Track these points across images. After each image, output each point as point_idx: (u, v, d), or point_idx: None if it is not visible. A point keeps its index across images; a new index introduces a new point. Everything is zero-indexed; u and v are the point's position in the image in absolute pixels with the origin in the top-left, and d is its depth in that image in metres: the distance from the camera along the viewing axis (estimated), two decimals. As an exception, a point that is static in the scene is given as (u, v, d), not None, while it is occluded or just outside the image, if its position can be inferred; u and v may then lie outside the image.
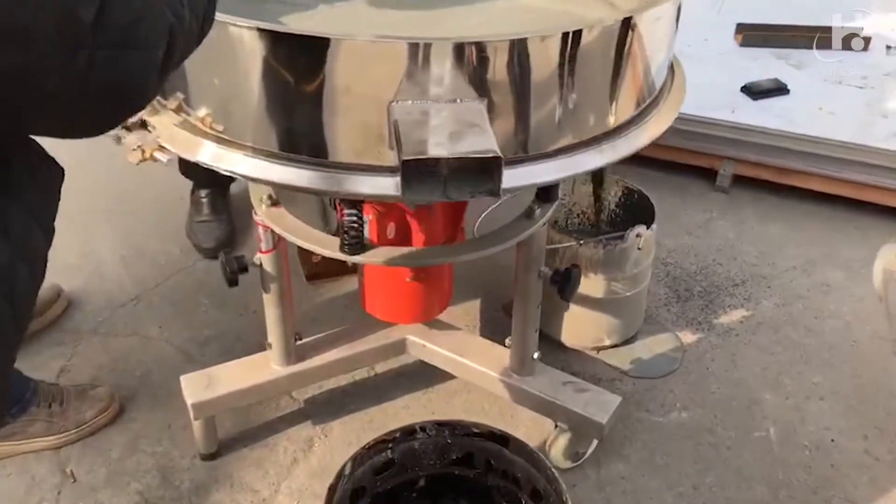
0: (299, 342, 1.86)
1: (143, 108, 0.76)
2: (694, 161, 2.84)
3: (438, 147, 1.06)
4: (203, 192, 2.56)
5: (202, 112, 1.29)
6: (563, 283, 1.67)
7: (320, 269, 2.40)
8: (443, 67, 1.14)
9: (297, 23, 1.44)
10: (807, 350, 2.23)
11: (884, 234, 2.65)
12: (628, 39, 1.25)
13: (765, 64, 3.01)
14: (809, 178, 2.71)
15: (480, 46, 1.14)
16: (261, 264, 1.69)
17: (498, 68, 1.16)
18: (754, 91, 2.80)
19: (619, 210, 2.28)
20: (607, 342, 2.18)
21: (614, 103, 1.31)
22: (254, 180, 1.26)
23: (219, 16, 1.13)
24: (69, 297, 2.32)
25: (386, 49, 1.14)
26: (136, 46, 0.68)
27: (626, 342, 2.22)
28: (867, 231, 2.68)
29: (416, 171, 1.05)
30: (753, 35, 3.11)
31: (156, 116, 1.32)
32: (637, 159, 2.79)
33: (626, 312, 2.15)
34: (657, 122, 1.42)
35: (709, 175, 2.86)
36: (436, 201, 1.13)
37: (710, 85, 2.85)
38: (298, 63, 1.16)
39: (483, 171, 1.07)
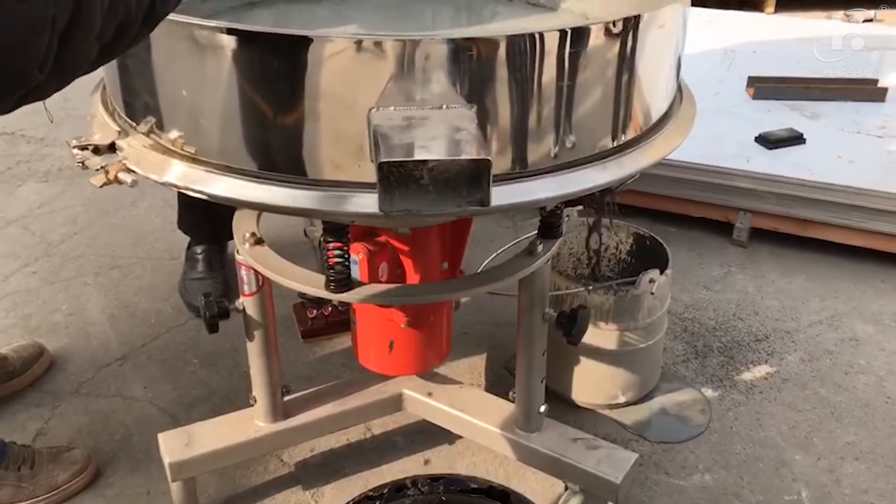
0: (287, 397, 1.72)
1: (37, 81, 0.64)
2: (709, 214, 2.73)
3: (421, 151, 0.95)
4: (199, 249, 2.47)
5: (174, 134, 1.19)
6: (570, 326, 1.53)
7: (316, 327, 2.28)
8: (429, 69, 1.04)
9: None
10: (838, 407, 2.07)
11: (913, 286, 2.52)
12: (632, 43, 1.16)
13: (778, 115, 2.92)
14: (830, 230, 2.58)
15: (471, 45, 1.04)
16: (244, 309, 1.57)
17: (490, 71, 1.06)
18: (769, 141, 2.70)
19: (630, 259, 2.15)
20: (622, 399, 2.02)
21: (617, 117, 1.21)
22: (226, 201, 1.15)
23: (186, 17, 1.05)
24: (53, 356, 2.20)
25: (367, 49, 1.04)
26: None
27: (643, 399, 2.06)
28: (894, 283, 2.53)
29: (395, 177, 0.94)
30: (766, 88, 3.03)
31: (125, 139, 1.23)
32: (649, 213, 2.73)
33: (641, 366, 2.00)
34: (665, 142, 1.31)
35: (725, 229, 2.74)
36: (419, 213, 1.02)
37: (723, 136, 2.76)
38: (273, 66, 1.06)
39: (471, 177, 0.95)
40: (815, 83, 3.07)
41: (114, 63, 1.23)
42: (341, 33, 1.06)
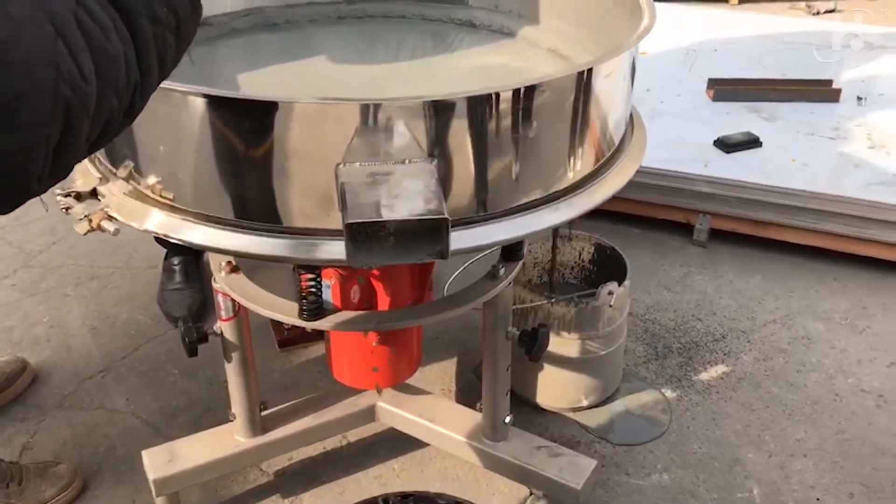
0: (265, 412, 1.80)
1: (36, 192, 0.71)
2: (670, 216, 2.83)
3: (384, 210, 1.03)
4: (176, 260, 2.53)
5: (152, 179, 1.26)
6: (531, 344, 1.63)
7: (292, 336, 2.35)
8: (390, 128, 1.12)
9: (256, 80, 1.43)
10: (789, 405, 2.19)
11: (863, 284, 2.64)
12: (581, 94, 1.24)
13: (737, 118, 3.02)
14: (786, 231, 2.69)
15: (427, 106, 1.12)
16: (221, 333, 1.65)
17: (445, 128, 1.15)
18: (727, 144, 2.80)
19: (592, 267, 2.25)
20: (585, 403, 2.13)
21: (570, 159, 1.29)
22: (204, 248, 1.23)
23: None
24: (35, 370, 2.27)
25: (332, 112, 1.12)
26: (18, 126, 0.64)
27: (605, 402, 2.17)
28: (846, 282, 2.65)
29: (361, 235, 1.02)
30: (724, 90, 3.13)
31: (106, 185, 1.30)
32: (613, 215, 2.83)
33: (602, 371, 2.10)
34: (616, 177, 1.39)
35: (686, 229, 2.84)
36: (383, 265, 1.11)
37: (683, 140, 2.86)
38: (245, 128, 1.14)
39: (431, 233, 1.04)
40: (771, 84, 3.17)
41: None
42: (307, 98, 1.12)
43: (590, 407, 2.14)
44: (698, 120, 3.01)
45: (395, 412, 1.86)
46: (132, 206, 1.26)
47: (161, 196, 1.26)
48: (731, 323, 2.49)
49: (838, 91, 3.13)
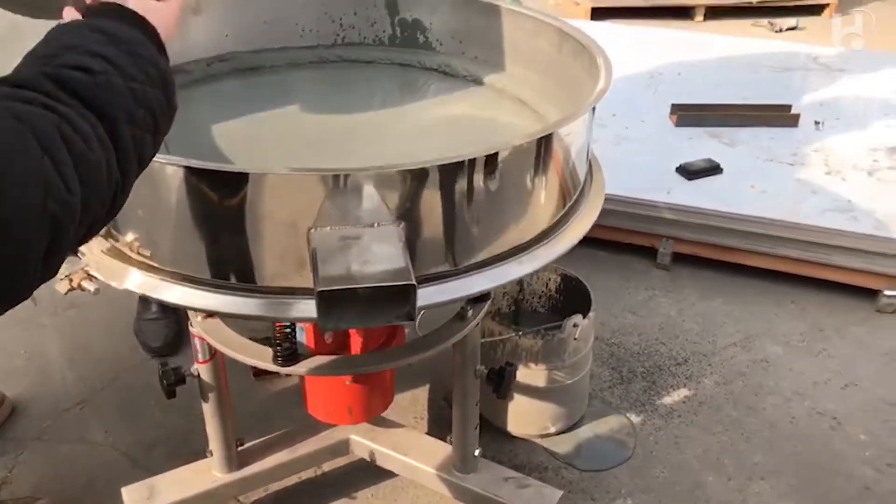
0: (241, 447, 1.86)
1: (26, 296, 0.75)
2: (635, 240, 2.92)
3: (353, 278, 1.09)
4: (151, 289, 2.57)
5: (130, 237, 1.32)
6: (498, 382, 1.70)
7: (268, 365, 2.40)
8: (359, 195, 1.19)
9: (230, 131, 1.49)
10: (747, 429, 2.27)
11: (820, 307, 2.74)
12: (540, 157, 1.31)
13: (699, 143, 3.12)
14: (746, 255, 2.79)
15: (393, 175, 1.19)
16: (198, 374, 1.70)
17: (410, 192, 1.21)
18: (689, 171, 2.89)
19: (559, 296, 2.33)
20: (552, 429, 2.20)
21: (531, 215, 1.36)
22: (182, 307, 1.29)
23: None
24: (13, 402, 2.30)
25: (301, 182, 1.18)
26: (8, 244, 0.67)
27: (573, 427, 2.24)
28: (804, 304, 2.75)
29: (332, 301, 1.09)
30: (687, 116, 3.22)
31: (86, 243, 1.35)
32: (583, 239, 2.90)
33: (568, 399, 2.18)
34: (577, 227, 1.47)
35: (651, 252, 2.93)
36: (353, 326, 1.18)
37: (646, 166, 2.95)
38: (218, 195, 1.20)
39: (398, 298, 1.10)
40: (732, 110, 3.27)
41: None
42: (278, 169, 1.19)
43: (557, 433, 2.21)
44: (662, 146, 3.10)
45: (368, 445, 1.93)
46: (111, 265, 1.31)
47: (139, 253, 1.32)
48: (693, 346, 2.57)
49: (797, 116, 3.24)
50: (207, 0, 1.86)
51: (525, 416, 2.18)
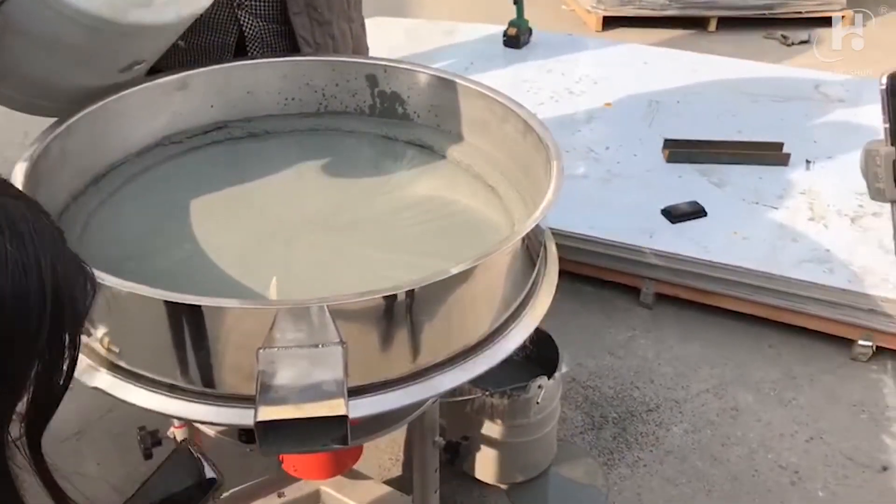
0: (219, 498, 1.98)
1: None
2: (619, 279, 3.00)
3: (290, 409, 1.20)
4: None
5: (100, 332, 1.43)
6: (453, 456, 1.80)
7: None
8: (304, 322, 1.28)
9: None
10: (710, 480, 2.37)
11: (795, 353, 2.81)
12: (481, 278, 1.40)
13: (688, 181, 3.17)
14: (725, 300, 2.86)
15: (336, 307, 1.28)
16: (174, 437, 1.82)
17: (352, 318, 1.31)
18: (673, 215, 2.95)
19: (531, 347, 2.40)
20: (520, 478, 2.31)
21: (472, 327, 1.45)
22: (144, 410, 1.40)
23: (101, 277, 1.28)
24: (15, 431, 2.44)
25: (251, 313, 1.29)
26: None
27: (540, 476, 2.35)
28: (780, 349, 2.82)
29: (269, 430, 1.19)
30: (679, 152, 3.27)
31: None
32: (568, 275, 2.99)
33: (535, 452, 2.28)
34: (522, 329, 1.55)
35: (634, 290, 3.01)
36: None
37: (633, 207, 3.01)
38: (177, 318, 1.30)
39: (332, 426, 1.20)
40: (724, 148, 3.31)
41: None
42: (229, 302, 1.29)
43: (525, 482, 2.32)
44: (650, 185, 3.15)
45: (338, 497, 2.04)
46: (82, 363, 1.43)
47: (109, 349, 1.43)
48: (667, 392, 2.66)
49: (788, 155, 3.27)
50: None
51: (492, 466, 2.28)
